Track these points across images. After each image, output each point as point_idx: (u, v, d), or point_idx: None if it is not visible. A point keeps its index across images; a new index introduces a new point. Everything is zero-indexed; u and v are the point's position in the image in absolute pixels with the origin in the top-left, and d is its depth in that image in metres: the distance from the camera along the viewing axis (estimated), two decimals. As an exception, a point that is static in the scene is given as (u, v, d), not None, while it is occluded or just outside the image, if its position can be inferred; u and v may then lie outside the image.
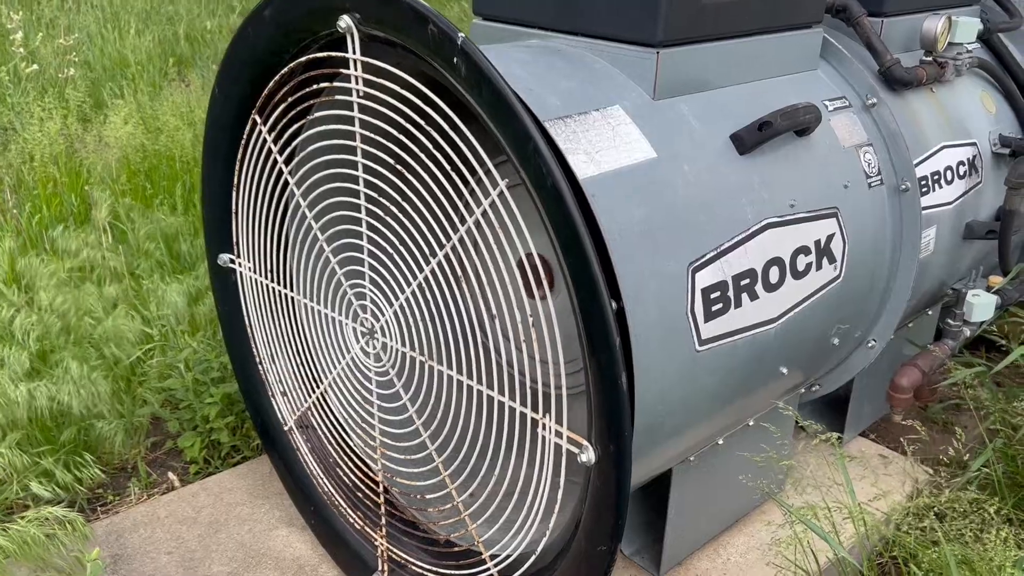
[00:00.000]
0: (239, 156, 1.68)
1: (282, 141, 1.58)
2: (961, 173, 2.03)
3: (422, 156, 1.30)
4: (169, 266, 2.73)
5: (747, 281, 1.48)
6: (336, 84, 1.40)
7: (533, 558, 1.34)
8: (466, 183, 1.25)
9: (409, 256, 1.41)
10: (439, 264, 1.34)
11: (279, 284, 1.73)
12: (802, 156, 1.63)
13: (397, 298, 1.44)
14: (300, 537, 1.93)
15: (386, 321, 1.49)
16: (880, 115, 1.81)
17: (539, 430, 1.25)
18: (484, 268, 1.28)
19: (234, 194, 1.74)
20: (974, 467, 1.98)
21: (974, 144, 2.08)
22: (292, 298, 1.71)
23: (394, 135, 1.32)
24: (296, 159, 1.56)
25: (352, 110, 1.38)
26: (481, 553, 1.44)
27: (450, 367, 1.39)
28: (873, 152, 1.79)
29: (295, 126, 1.52)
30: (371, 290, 1.50)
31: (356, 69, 1.35)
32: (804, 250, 1.60)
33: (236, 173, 1.71)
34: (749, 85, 1.64)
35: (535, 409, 1.25)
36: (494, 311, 1.27)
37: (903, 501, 1.98)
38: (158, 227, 2.85)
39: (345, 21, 1.32)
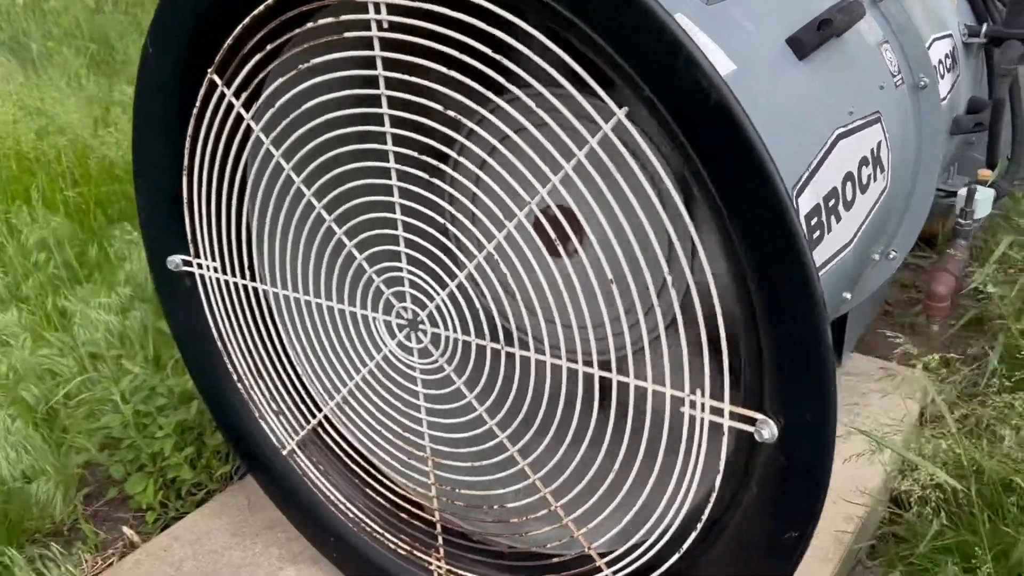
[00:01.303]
0: (191, 131, 1.34)
1: (257, 105, 1.25)
2: (948, 67, 1.94)
3: (479, 87, 1.03)
4: (66, 279, 2.27)
5: (833, 202, 1.31)
6: (343, 18, 1.09)
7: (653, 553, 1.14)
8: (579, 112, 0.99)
9: (471, 221, 1.14)
10: (518, 225, 1.08)
11: (264, 283, 1.41)
12: (844, 58, 1.47)
13: (454, 277, 1.17)
14: (315, 573, 1.64)
15: (437, 306, 1.22)
16: (888, 9, 1.68)
17: (685, 409, 1.03)
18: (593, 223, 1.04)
19: (186, 179, 1.39)
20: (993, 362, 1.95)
21: (951, 35, 2.01)
22: (287, 298, 1.39)
23: (431, 70, 1.04)
24: (280, 126, 1.23)
25: (371, 48, 1.09)
26: (591, 559, 1.22)
27: (540, 350, 1.14)
28: (891, 49, 1.66)
29: (276, 82, 1.20)
30: (411, 273, 1.22)
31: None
32: (864, 161, 1.45)
33: (188, 152, 1.36)
34: (776, -13, 1.45)
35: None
36: (610, 274, 1.03)
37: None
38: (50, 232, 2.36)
39: (362, -69, 1.02)
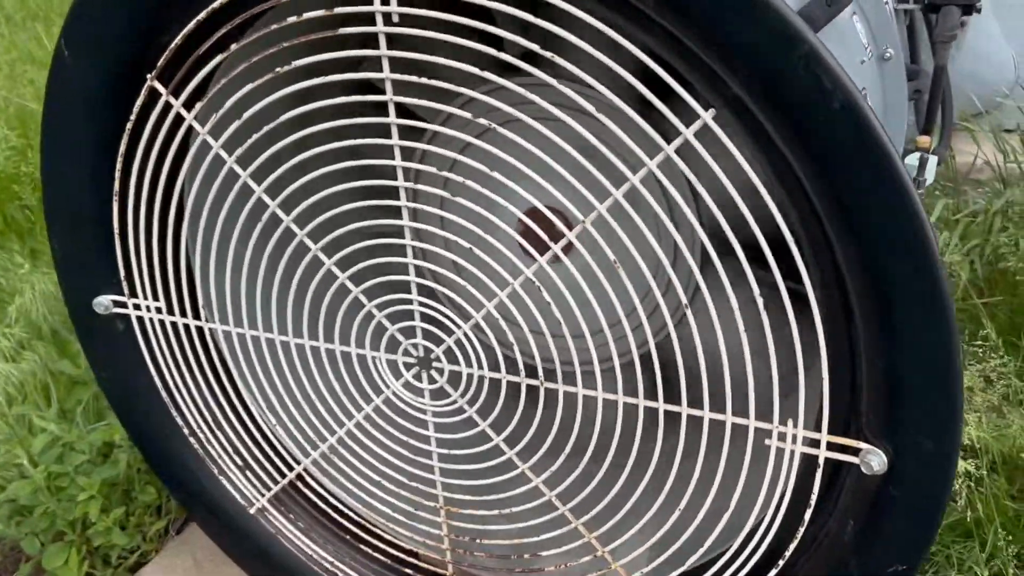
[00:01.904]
0: (124, 149, 1.10)
1: (215, 118, 1.03)
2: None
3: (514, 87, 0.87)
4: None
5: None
6: (338, 10, 0.90)
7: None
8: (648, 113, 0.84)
9: (504, 243, 0.98)
10: (566, 246, 0.94)
11: (226, 324, 1.20)
12: (837, 33, 1.39)
13: (479, 308, 1.01)
14: (294, 640, 1.44)
15: (458, 340, 1.06)
16: (853, -22, 1.62)
17: (772, 442, 0.92)
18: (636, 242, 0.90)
19: (118, 206, 1.16)
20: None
21: (888, 2, 1.98)
22: (255, 340, 1.19)
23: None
24: (247, 144, 1.03)
25: (375, 47, 0.91)
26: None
27: (589, 383, 1.00)
28: (859, 20, 1.60)
29: (242, 90, 0.99)
30: (424, 305, 1.05)
31: (387, -17, 0.87)
32: (863, 142, 1.38)
33: (120, 175, 1.13)
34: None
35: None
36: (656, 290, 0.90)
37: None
38: None
39: (368, -95, 0.83)
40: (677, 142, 0.84)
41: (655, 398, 0.96)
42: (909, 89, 1.98)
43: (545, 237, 0.96)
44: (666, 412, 0.97)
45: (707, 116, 0.81)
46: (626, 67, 0.81)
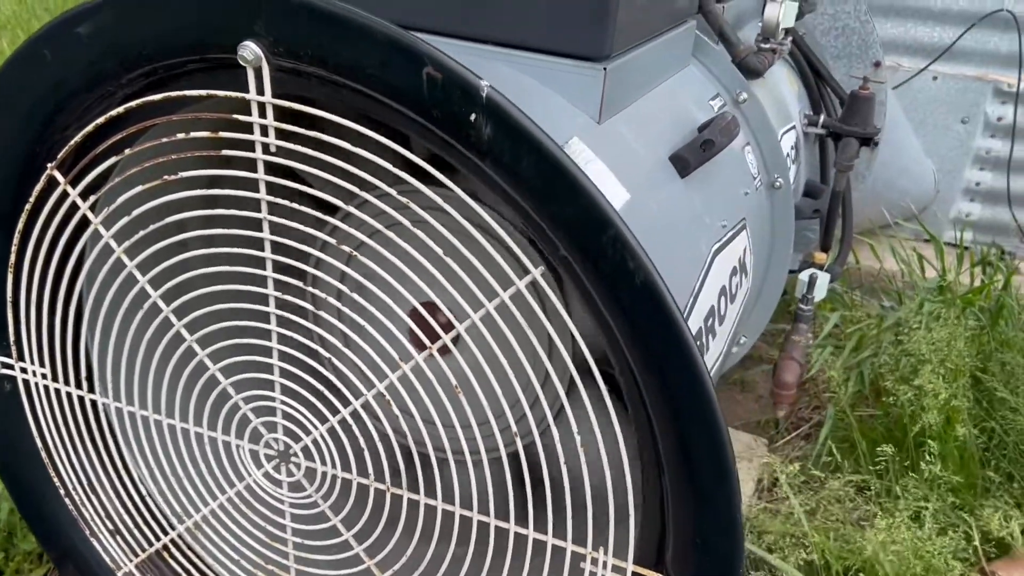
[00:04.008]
0: (21, 226, 1.16)
1: (108, 211, 1.10)
2: (793, 158, 2.05)
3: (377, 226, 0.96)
4: None
5: (711, 320, 1.33)
6: (222, 135, 0.98)
7: None
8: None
9: (361, 357, 1.05)
10: (414, 368, 1.01)
11: (106, 397, 1.25)
12: (716, 168, 1.49)
13: (336, 412, 1.08)
14: None
15: (315, 440, 1.12)
16: (751, 111, 1.74)
17: (586, 566, 1.00)
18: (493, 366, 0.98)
19: (12, 277, 1.21)
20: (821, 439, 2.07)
21: (795, 127, 2.11)
22: (132, 415, 1.24)
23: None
24: (136, 236, 1.10)
25: (253, 170, 0.98)
26: None
27: (431, 492, 1.07)
28: (751, 151, 1.71)
29: (134, 190, 1.06)
30: (285, 403, 1.12)
31: (267, 116, 0.95)
32: (734, 271, 1.48)
33: (17, 250, 1.18)
34: (652, 93, 1.45)
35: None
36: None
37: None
38: None
39: (251, 50, 0.91)
40: (511, 290, 0.92)
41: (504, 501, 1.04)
42: (809, 208, 2.11)
43: (416, 355, 1.03)
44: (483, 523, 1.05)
45: (536, 272, 0.90)
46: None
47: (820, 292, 2.03)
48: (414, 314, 1.13)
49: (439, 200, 0.90)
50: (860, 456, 1.94)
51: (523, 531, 1.02)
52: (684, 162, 1.32)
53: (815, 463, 2.00)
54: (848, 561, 1.62)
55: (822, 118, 2.19)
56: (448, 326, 0.98)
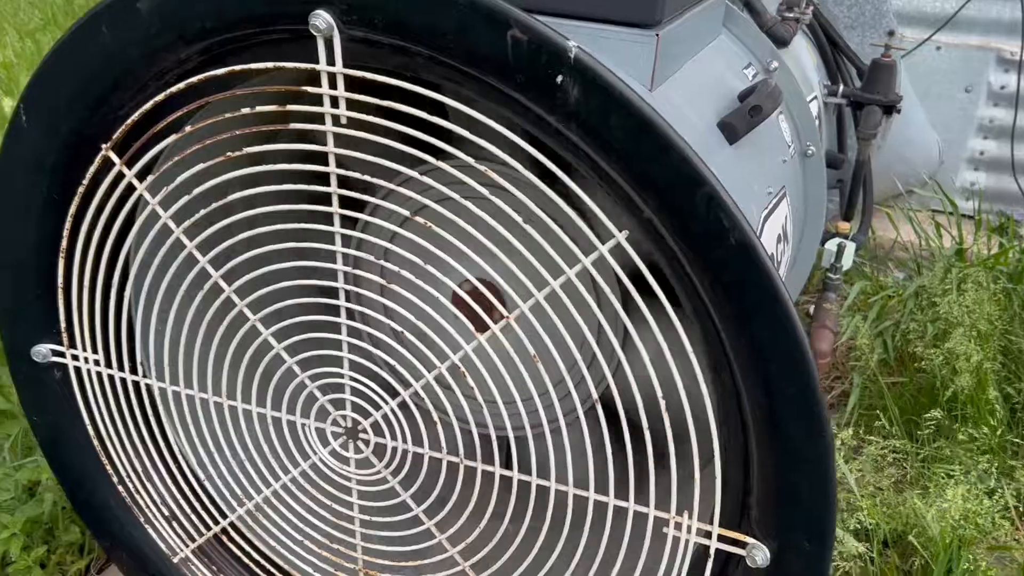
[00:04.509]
0: (74, 210, 1.14)
1: (166, 191, 1.08)
2: (817, 127, 2.04)
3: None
4: None
5: (764, 287, 1.33)
6: (290, 108, 0.97)
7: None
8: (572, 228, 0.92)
9: (440, 319, 1.04)
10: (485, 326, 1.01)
11: (162, 381, 1.24)
12: (759, 136, 1.49)
13: (408, 386, 1.08)
14: None
15: (385, 415, 1.11)
16: (782, 80, 1.73)
17: (669, 530, 1.00)
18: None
19: (63, 263, 1.19)
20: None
21: (817, 96, 2.11)
22: (190, 398, 1.23)
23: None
24: (195, 216, 1.08)
25: (323, 144, 0.97)
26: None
27: (507, 467, 1.07)
28: (784, 119, 1.71)
29: (195, 168, 1.05)
30: (354, 379, 1.11)
31: (337, 87, 0.94)
32: (779, 238, 1.48)
33: (69, 234, 1.17)
34: (694, 61, 1.45)
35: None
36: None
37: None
38: None
39: (323, 19, 0.90)
40: (593, 256, 0.91)
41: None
42: (832, 178, 2.11)
43: (483, 314, 1.03)
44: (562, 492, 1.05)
45: (620, 236, 0.89)
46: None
47: (847, 261, 2.04)
48: (473, 288, 1.13)
49: (520, 168, 0.89)
50: (892, 422, 1.95)
51: (603, 499, 1.02)
52: (733, 129, 1.32)
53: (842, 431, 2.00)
54: (892, 525, 1.63)
55: (841, 88, 2.19)
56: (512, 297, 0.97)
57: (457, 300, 1.05)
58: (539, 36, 0.82)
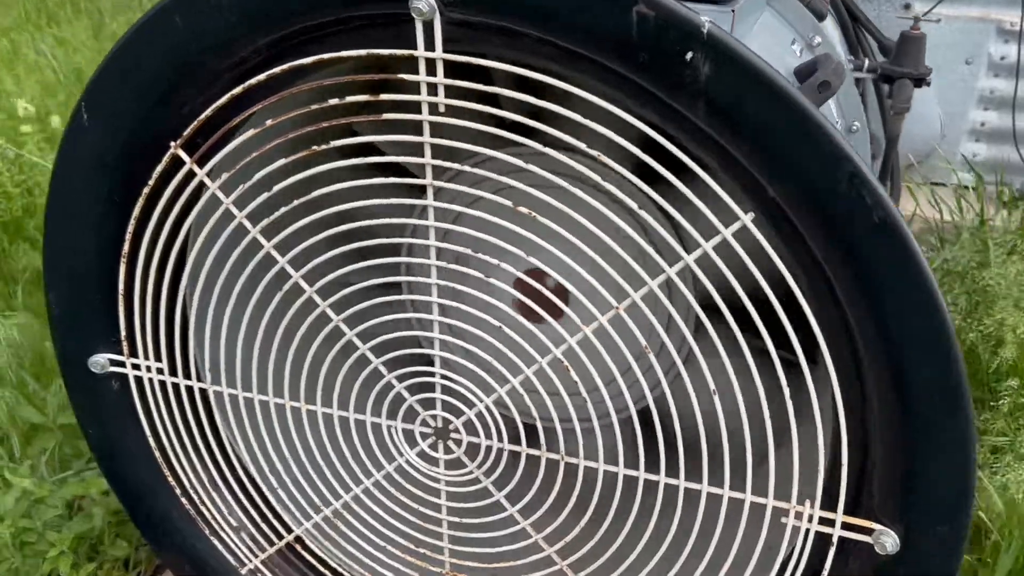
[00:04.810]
0: (138, 212, 1.09)
1: (241, 190, 1.03)
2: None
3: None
4: None
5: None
6: (384, 97, 0.92)
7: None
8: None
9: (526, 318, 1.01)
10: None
11: (234, 387, 1.19)
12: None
13: (504, 382, 1.04)
14: None
15: (479, 413, 1.07)
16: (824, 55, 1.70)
17: (789, 520, 0.97)
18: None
19: (125, 268, 1.14)
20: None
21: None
22: (262, 404, 1.18)
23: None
24: (273, 217, 1.03)
25: (418, 132, 0.93)
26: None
27: (611, 458, 1.04)
28: (831, 98, 1.68)
29: (275, 164, 1.00)
30: (445, 377, 1.07)
31: (436, 73, 0.89)
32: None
33: (132, 236, 1.11)
34: (750, 38, 1.41)
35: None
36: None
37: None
38: None
39: (426, 1, 0.85)
40: (715, 240, 0.88)
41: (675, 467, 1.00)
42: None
43: (599, 317, 0.99)
44: (672, 486, 1.02)
45: (747, 219, 0.86)
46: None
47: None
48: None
49: (637, 151, 0.86)
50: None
51: (717, 491, 0.99)
52: (803, 105, 1.29)
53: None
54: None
55: (866, 62, 2.16)
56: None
57: (527, 289, 1.01)
58: (669, 12, 0.78)
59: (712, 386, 0.93)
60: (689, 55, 0.79)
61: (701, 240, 0.88)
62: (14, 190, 2.47)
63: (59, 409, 1.70)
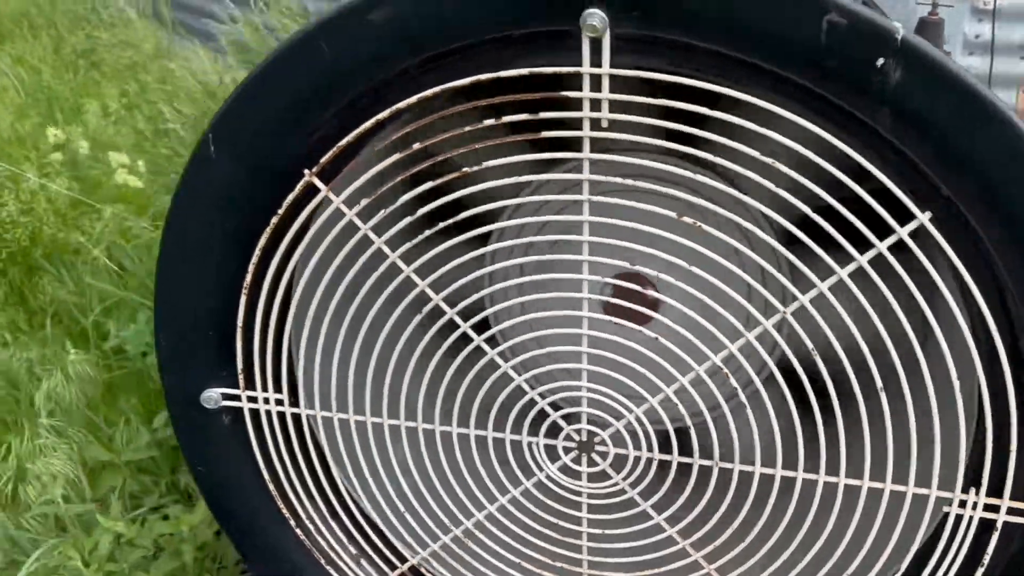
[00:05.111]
0: (264, 243, 1.06)
1: (379, 217, 1.02)
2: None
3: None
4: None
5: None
6: (543, 115, 0.91)
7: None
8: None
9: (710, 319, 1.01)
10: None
11: (361, 414, 1.17)
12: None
13: (655, 391, 1.04)
14: None
15: (628, 424, 1.07)
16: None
17: (952, 510, 0.99)
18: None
19: (246, 299, 1.11)
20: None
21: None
22: (390, 428, 1.16)
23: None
24: (425, 233, 1.02)
25: (578, 150, 0.92)
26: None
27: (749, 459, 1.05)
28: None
29: (426, 187, 0.98)
30: (592, 391, 1.06)
31: (602, 89, 0.89)
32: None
33: (255, 267, 1.09)
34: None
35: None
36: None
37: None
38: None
39: (599, 18, 0.84)
40: (891, 239, 0.89)
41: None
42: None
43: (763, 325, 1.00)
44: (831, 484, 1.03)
45: (924, 218, 0.87)
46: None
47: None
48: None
49: (803, 150, 0.87)
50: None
51: (878, 485, 1.01)
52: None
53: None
54: None
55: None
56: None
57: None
58: (862, 19, 0.79)
59: (879, 384, 0.94)
60: (880, 61, 0.80)
61: (875, 240, 0.89)
62: (23, 219, 2.38)
63: (126, 445, 1.66)
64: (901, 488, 1.00)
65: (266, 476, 1.24)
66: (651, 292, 1.00)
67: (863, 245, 0.90)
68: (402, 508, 1.22)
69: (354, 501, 1.25)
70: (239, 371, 1.17)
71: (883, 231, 0.89)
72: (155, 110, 3.06)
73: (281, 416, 1.19)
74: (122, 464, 1.65)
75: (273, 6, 3.41)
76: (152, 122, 3.02)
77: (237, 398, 1.19)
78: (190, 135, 2.73)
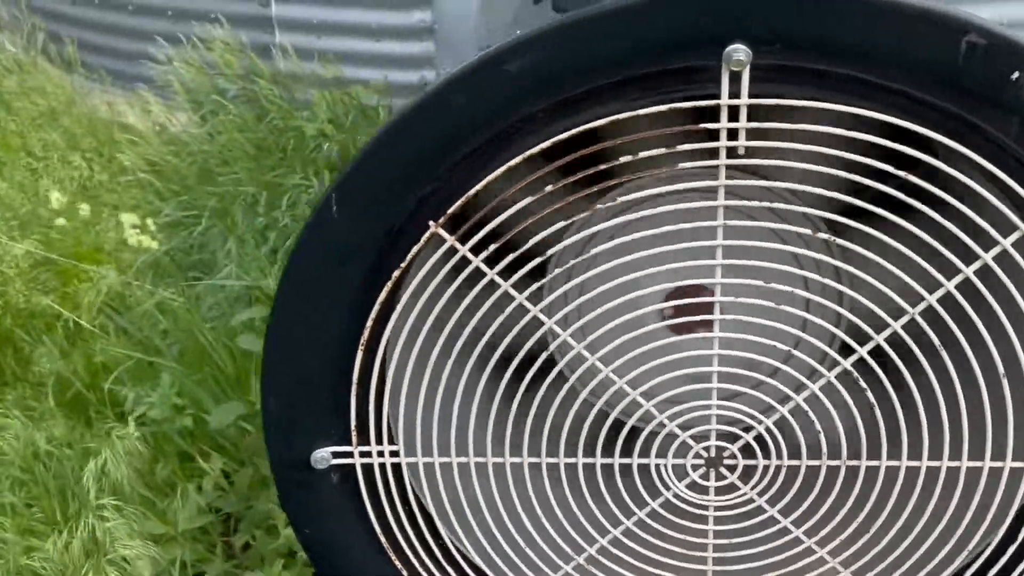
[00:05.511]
0: (384, 297, 1.06)
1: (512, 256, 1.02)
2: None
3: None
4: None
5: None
6: (681, 166, 0.94)
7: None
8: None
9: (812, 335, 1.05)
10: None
11: (483, 456, 1.17)
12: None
13: (800, 390, 1.08)
14: None
15: (758, 436, 1.11)
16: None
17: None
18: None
19: (362, 355, 1.10)
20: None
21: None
22: (512, 466, 1.17)
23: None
24: (546, 279, 1.03)
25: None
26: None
27: (895, 457, 1.10)
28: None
29: (556, 227, 1.00)
30: (721, 407, 1.09)
31: (739, 119, 0.92)
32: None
33: (374, 321, 1.07)
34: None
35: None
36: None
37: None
38: None
39: (744, 51, 0.88)
40: (995, 251, 0.95)
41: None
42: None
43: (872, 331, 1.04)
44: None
45: (1028, 227, 0.94)
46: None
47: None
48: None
49: (935, 162, 0.92)
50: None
51: (977, 464, 1.07)
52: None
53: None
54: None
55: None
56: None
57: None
58: (1000, 39, 0.84)
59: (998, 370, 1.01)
60: (1015, 75, 0.86)
61: (981, 252, 0.95)
62: (-1, 287, 2.26)
63: (175, 515, 1.60)
64: (999, 464, 1.06)
65: (378, 529, 1.23)
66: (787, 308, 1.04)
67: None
68: (535, 538, 1.22)
69: (459, 551, 1.25)
70: (352, 427, 1.15)
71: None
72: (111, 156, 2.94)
73: (396, 468, 1.18)
74: (178, 535, 1.59)
75: (208, 43, 3.33)
76: (107, 167, 2.90)
77: (348, 455, 1.17)
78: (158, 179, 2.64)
